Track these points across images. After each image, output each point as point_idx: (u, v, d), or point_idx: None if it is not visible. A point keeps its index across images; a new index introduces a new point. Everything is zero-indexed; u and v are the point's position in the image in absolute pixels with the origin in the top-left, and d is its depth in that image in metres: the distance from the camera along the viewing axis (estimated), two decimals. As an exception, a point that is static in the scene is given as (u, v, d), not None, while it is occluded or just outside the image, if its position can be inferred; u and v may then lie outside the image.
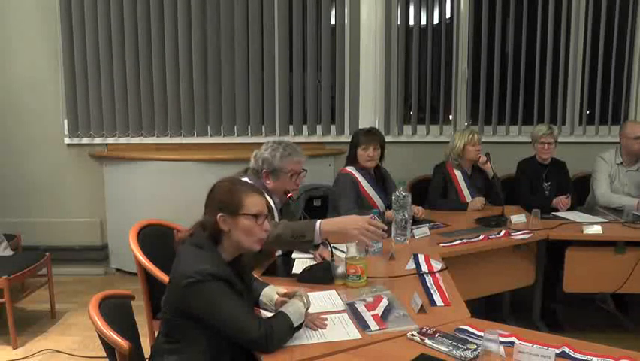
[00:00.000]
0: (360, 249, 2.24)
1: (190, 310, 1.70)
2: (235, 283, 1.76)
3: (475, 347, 1.66)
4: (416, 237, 2.92)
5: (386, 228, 2.36)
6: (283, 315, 1.74)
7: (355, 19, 4.44)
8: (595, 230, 3.12)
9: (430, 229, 3.07)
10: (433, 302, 2.06)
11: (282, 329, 1.71)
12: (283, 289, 2.00)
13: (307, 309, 1.83)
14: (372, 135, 3.48)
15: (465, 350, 1.66)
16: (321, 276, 2.25)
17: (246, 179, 2.45)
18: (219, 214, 1.78)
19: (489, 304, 3.41)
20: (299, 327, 1.76)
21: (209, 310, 1.69)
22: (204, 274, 1.68)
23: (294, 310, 1.76)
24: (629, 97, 4.56)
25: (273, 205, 2.57)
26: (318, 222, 2.30)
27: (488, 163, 3.70)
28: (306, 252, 2.56)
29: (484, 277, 3.02)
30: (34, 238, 4.34)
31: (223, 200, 1.81)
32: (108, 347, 1.75)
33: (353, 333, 1.81)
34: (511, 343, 1.69)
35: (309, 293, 1.91)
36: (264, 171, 2.62)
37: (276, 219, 2.56)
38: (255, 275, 2.22)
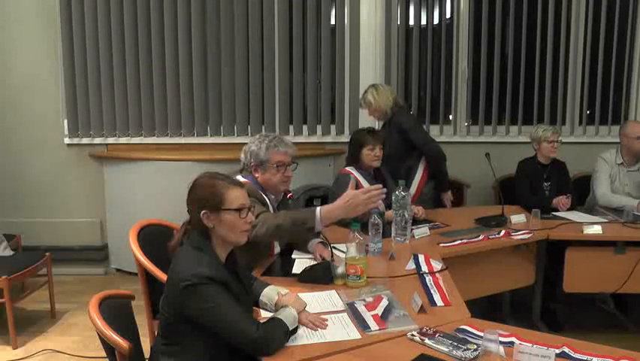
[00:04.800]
0: (360, 249, 2.24)
1: (187, 312, 1.70)
2: (232, 285, 1.76)
3: (475, 347, 1.66)
4: (416, 237, 2.92)
5: (381, 186, 2.34)
6: (278, 320, 1.75)
7: (355, 19, 4.44)
8: (595, 230, 3.11)
9: (430, 229, 3.06)
10: (433, 302, 2.06)
11: (278, 333, 1.72)
12: (284, 290, 2.00)
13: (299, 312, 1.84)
14: (377, 135, 3.49)
15: (465, 350, 1.66)
16: (321, 276, 2.24)
17: (239, 177, 2.44)
18: (202, 211, 1.78)
19: (489, 304, 3.41)
20: (294, 331, 1.77)
21: (206, 313, 1.69)
22: (201, 277, 1.68)
23: (287, 315, 1.78)
24: (629, 97, 4.55)
25: (268, 202, 2.56)
26: (319, 208, 2.30)
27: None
28: (306, 251, 2.57)
29: (484, 277, 3.02)
30: (34, 238, 4.34)
31: (204, 196, 1.80)
32: (108, 347, 1.76)
33: (353, 333, 1.81)
34: (511, 343, 1.69)
35: (308, 294, 1.91)
36: (252, 164, 2.61)
37: None
38: (255, 275, 2.22)
